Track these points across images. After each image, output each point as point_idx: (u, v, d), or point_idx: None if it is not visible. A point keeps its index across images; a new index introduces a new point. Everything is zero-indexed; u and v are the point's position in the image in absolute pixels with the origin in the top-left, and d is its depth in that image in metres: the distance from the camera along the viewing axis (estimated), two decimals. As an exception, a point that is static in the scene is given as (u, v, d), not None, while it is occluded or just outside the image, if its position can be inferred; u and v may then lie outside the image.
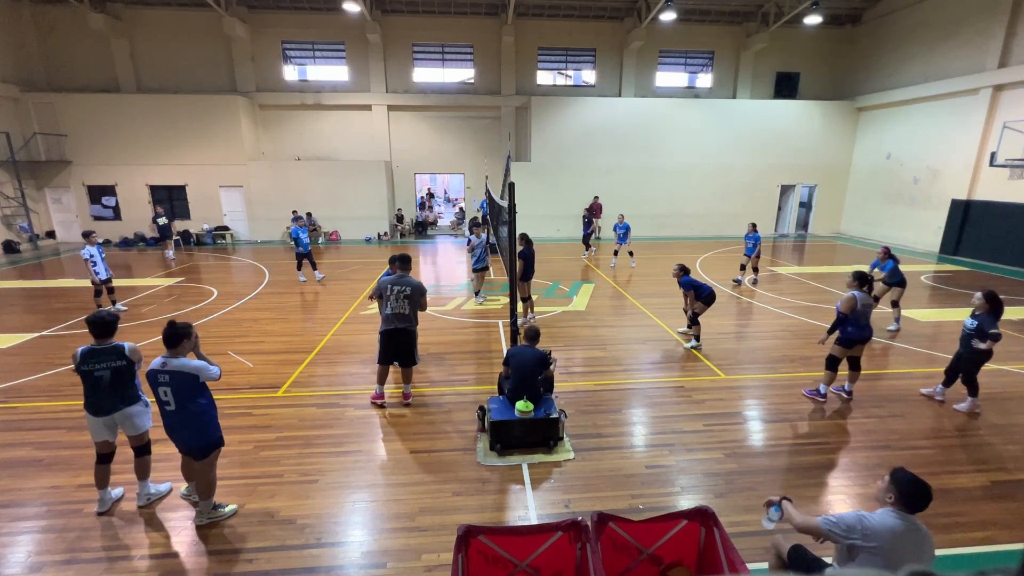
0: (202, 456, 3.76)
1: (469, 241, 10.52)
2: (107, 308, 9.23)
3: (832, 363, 5.81)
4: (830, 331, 5.70)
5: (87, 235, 9.13)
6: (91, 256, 8.82)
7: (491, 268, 13.08)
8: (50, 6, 16.98)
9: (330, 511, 4.03)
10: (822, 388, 5.90)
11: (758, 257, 11.22)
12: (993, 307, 5.37)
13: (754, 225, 11.02)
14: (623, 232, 13.45)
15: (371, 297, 5.83)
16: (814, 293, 10.86)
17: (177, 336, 3.63)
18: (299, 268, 12.13)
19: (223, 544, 3.68)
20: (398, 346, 5.71)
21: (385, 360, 5.76)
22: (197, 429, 3.72)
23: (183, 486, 4.23)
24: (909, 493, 2.46)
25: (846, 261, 14.72)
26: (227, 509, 4.00)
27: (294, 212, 18.16)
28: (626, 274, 12.85)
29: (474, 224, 10.33)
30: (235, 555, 3.58)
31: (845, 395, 5.95)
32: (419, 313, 5.83)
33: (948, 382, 5.84)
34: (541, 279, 12.24)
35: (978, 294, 5.46)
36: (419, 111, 19.49)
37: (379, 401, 5.81)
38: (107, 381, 3.79)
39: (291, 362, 7.07)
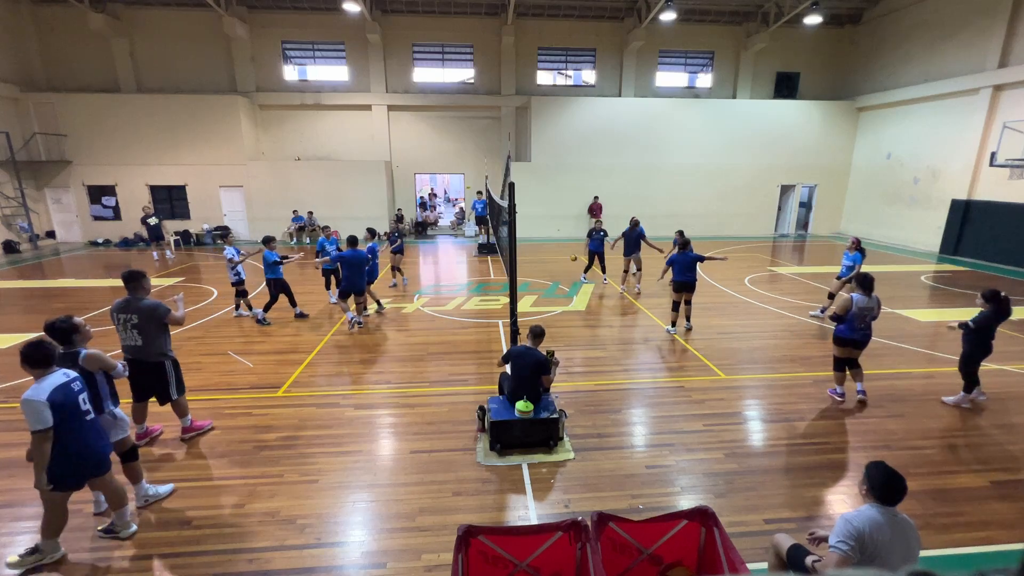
0: (107, 466, 3.55)
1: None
2: (247, 311, 9.31)
3: (835, 363, 5.92)
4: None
5: (224, 235, 8.85)
6: (232, 257, 8.72)
7: (490, 265, 13.03)
8: (50, 6, 16.97)
9: (330, 511, 4.03)
10: (838, 388, 5.97)
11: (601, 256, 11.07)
12: (991, 304, 5.45)
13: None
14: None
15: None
16: (814, 293, 10.85)
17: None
18: (328, 287, 10.71)
19: (223, 544, 3.68)
20: (146, 381, 4.80)
21: (137, 396, 4.88)
22: (105, 432, 3.51)
23: (102, 523, 3.86)
24: (881, 485, 2.55)
25: (846, 261, 14.69)
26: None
27: (294, 212, 18.20)
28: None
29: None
30: (235, 555, 3.58)
31: (859, 395, 5.85)
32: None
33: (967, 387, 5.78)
34: (541, 279, 12.23)
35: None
36: (419, 111, 19.48)
37: (143, 441, 4.92)
38: None
39: (291, 362, 7.07)
